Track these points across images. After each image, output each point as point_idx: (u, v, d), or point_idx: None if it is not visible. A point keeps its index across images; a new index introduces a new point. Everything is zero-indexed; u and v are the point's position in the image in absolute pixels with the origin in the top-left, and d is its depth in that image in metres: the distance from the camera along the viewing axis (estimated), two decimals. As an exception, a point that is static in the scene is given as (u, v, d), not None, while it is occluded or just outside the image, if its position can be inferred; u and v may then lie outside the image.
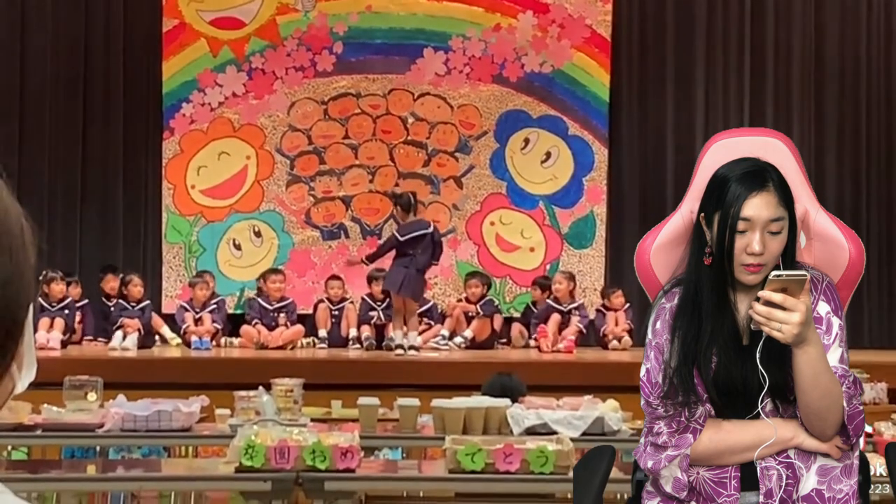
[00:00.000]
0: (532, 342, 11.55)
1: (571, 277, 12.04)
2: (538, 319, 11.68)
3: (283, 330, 11.44)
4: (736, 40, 13.18)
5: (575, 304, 11.73)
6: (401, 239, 10.58)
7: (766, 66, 13.12)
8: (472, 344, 11.36)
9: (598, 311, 11.88)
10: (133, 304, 11.26)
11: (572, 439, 4.86)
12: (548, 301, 11.80)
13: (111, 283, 11.81)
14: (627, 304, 11.56)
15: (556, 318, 11.50)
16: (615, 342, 11.33)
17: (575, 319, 11.54)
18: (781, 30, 13.12)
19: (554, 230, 13.00)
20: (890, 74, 13.03)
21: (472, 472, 4.47)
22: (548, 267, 12.78)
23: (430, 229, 10.71)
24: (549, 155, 13.10)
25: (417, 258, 10.53)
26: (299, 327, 11.58)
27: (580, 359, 10.63)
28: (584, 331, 11.57)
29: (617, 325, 11.55)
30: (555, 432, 5.25)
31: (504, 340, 11.91)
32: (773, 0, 13.11)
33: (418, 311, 11.07)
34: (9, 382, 1.16)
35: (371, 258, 11.03)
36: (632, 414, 6.06)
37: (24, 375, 1.18)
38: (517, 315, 12.35)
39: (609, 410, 5.69)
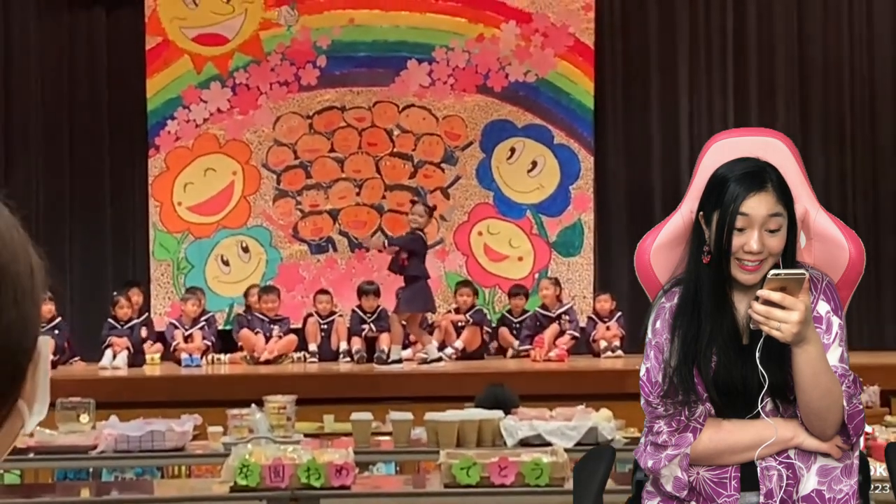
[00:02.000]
0: (525, 353, 11.49)
1: (557, 283, 12.05)
2: (529, 331, 11.66)
3: (277, 340, 11.40)
4: (719, 45, 13.20)
5: (563, 309, 11.74)
6: (427, 244, 10.57)
7: (749, 71, 13.14)
8: (463, 354, 11.36)
9: (588, 318, 11.88)
10: (122, 322, 11.23)
11: (567, 450, 4.86)
12: (536, 309, 11.81)
13: (136, 298, 11.73)
14: (619, 313, 11.55)
15: (553, 328, 11.49)
16: (609, 352, 11.29)
17: (568, 327, 11.54)
18: (764, 34, 13.14)
19: (542, 239, 12.99)
20: (873, 65, 13.05)
21: (468, 486, 4.48)
22: (536, 276, 12.76)
23: None
24: (535, 164, 13.10)
25: (426, 268, 10.65)
26: (292, 337, 11.52)
27: (572, 367, 10.62)
28: (578, 335, 11.56)
29: (609, 331, 11.52)
30: (549, 443, 5.25)
31: (496, 349, 11.92)
32: (755, 4, 13.13)
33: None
34: (17, 420, 1.14)
35: (391, 245, 11.03)
36: (625, 422, 6.07)
37: (35, 414, 1.17)
38: (502, 326, 12.31)
39: (602, 420, 5.69)
